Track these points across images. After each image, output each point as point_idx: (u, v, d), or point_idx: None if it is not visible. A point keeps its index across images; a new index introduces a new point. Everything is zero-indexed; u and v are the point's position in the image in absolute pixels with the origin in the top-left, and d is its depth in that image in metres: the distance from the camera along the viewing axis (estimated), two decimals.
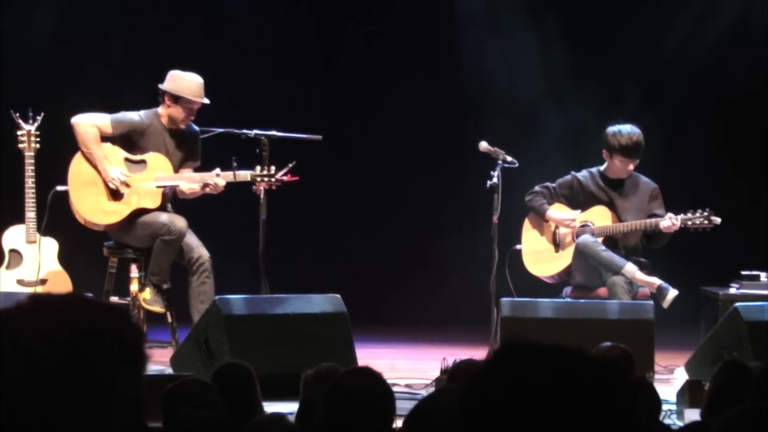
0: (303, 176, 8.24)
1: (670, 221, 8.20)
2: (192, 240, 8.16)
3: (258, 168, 8.16)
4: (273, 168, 8.16)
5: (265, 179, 8.13)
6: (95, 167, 8.12)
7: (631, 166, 8.38)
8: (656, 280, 8.28)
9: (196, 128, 8.36)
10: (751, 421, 2.59)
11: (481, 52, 11.12)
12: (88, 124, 8.11)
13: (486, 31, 11.13)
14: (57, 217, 8.25)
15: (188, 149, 8.31)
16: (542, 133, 10.84)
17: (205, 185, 8.15)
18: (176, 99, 8.17)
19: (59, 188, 8.15)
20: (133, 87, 10.00)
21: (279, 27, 11.15)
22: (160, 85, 8.23)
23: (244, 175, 8.14)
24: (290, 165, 8.14)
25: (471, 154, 8.66)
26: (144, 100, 8.44)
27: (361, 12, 11.21)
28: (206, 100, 8.22)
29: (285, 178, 8.14)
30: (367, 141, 11.09)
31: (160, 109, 8.26)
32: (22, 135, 8.41)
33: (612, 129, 8.36)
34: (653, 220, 8.30)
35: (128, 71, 10.63)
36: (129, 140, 8.19)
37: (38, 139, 8.40)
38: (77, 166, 8.15)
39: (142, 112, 8.26)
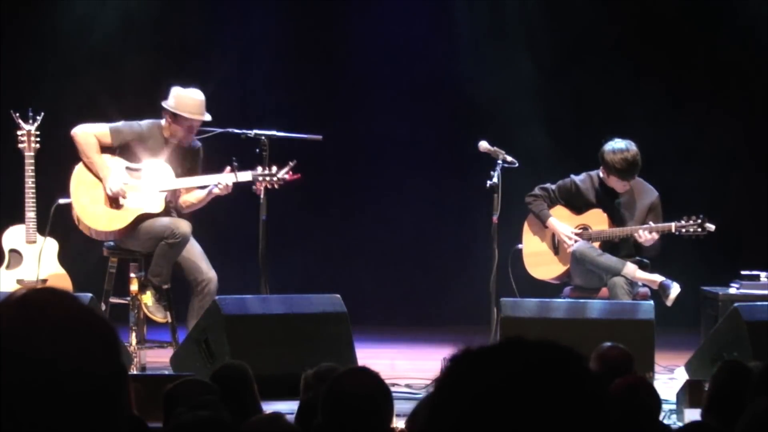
0: (303, 176, 8.24)
1: (643, 235, 8.16)
2: (200, 260, 8.12)
3: (259, 168, 8.15)
4: (274, 168, 8.16)
5: (267, 178, 8.12)
6: (96, 175, 8.12)
7: (629, 185, 8.36)
8: (658, 277, 8.28)
9: (198, 143, 8.35)
10: None
11: (481, 53, 11.13)
12: (88, 133, 8.10)
13: (486, 34, 11.15)
14: (58, 218, 8.24)
15: (189, 163, 8.29)
16: (542, 132, 10.84)
17: (214, 186, 8.13)
18: (176, 117, 8.15)
19: (62, 201, 8.14)
20: (131, 89, 10.01)
21: (279, 26, 11.15)
22: (163, 102, 8.19)
23: (246, 175, 8.13)
24: (291, 164, 8.13)
25: (471, 154, 8.65)
26: (145, 102, 8.43)
27: (362, 12, 11.20)
28: (207, 117, 8.16)
29: (287, 176, 8.13)
30: (367, 141, 11.09)
31: (164, 122, 8.23)
32: (22, 135, 8.40)
33: (608, 147, 8.28)
34: (628, 228, 8.27)
35: (129, 72, 10.63)
36: (128, 150, 8.16)
37: (38, 139, 8.40)
38: (79, 175, 8.13)
39: (143, 122, 8.23)
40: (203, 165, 8.35)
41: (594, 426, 1.49)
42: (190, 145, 8.31)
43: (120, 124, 8.21)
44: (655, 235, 8.18)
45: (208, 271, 8.09)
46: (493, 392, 1.48)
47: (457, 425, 1.49)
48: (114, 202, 8.12)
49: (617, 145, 8.26)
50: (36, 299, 1.56)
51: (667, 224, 8.25)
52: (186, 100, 8.14)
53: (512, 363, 1.51)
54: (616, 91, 10.83)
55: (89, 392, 1.51)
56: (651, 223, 8.30)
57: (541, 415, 1.47)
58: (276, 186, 8.15)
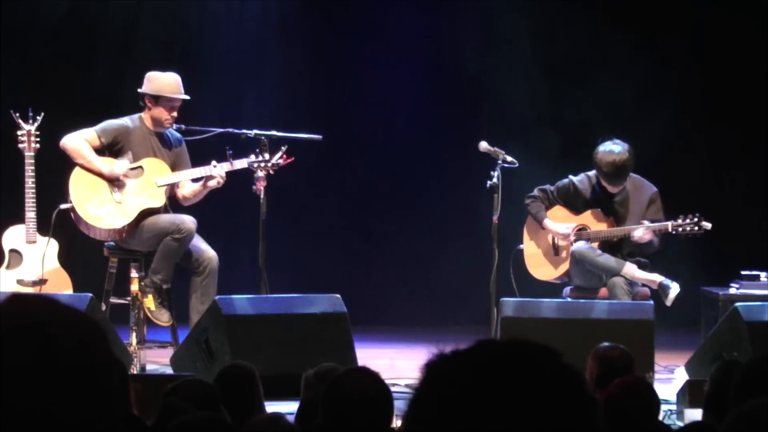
0: (303, 176, 8.25)
1: (641, 231, 8.18)
2: (199, 242, 8.16)
3: (253, 155, 8.19)
4: (267, 154, 8.19)
5: (262, 165, 8.15)
6: (97, 174, 8.13)
7: (617, 188, 8.37)
8: (657, 277, 8.29)
9: (179, 135, 8.39)
10: (762, 418, 2.57)
11: (482, 52, 11.13)
12: (77, 139, 8.13)
13: (487, 32, 11.15)
14: (59, 219, 8.23)
15: (176, 154, 8.33)
16: (542, 132, 10.84)
17: (208, 179, 8.16)
18: (156, 99, 8.19)
19: (63, 206, 8.14)
20: (132, 89, 9.99)
21: (280, 26, 11.15)
22: (139, 90, 8.25)
23: (241, 162, 8.17)
24: (283, 148, 8.19)
25: (471, 154, 8.65)
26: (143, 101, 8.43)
27: (363, 12, 11.20)
28: (186, 96, 8.24)
29: (281, 161, 8.17)
30: (368, 141, 11.09)
31: (144, 114, 8.27)
32: (22, 135, 8.41)
33: (600, 148, 8.29)
34: (626, 228, 8.29)
35: (128, 72, 10.63)
36: (117, 147, 8.18)
37: (38, 139, 8.40)
38: (77, 178, 8.15)
39: (126, 118, 8.29)
40: (196, 162, 8.36)
41: (571, 421, 1.49)
42: (174, 138, 8.34)
43: (104, 123, 8.25)
44: (647, 236, 8.19)
45: (207, 250, 8.12)
46: (464, 392, 1.49)
47: (432, 427, 1.49)
48: (116, 200, 8.12)
49: (609, 147, 8.26)
50: (23, 297, 1.57)
51: (663, 223, 8.27)
52: (163, 81, 8.22)
53: (483, 363, 1.52)
54: (617, 90, 10.82)
55: (82, 382, 1.51)
56: (651, 217, 8.32)
57: (513, 412, 1.47)
58: (271, 171, 8.19)
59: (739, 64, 10.86)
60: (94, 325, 1.57)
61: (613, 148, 8.24)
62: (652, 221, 8.30)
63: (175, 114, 8.25)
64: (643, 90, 10.90)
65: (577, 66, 11.03)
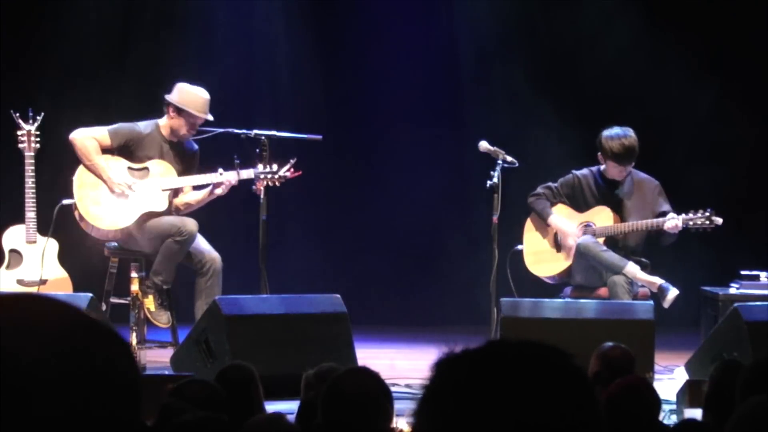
0: (303, 176, 8.25)
1: (673, 222, 8.20)
2: (202, 243, 8.16)
3: (260, 166, 8.17)
4: (275, 165, 8.18)
5: (269, 176, 8.13)
6: (99, 177, 8.12)
7: (625, 171, 8.38)
8: (657, 280, 8.29)
9: (195, 146, 8.37)
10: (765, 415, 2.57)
11: (481, 52, 11.13)
12: (86, 137, 8.10)
13: (486, 33, 11.16)
14: (59, 218, 8.24)
15: (186, 164, 8.30)
16: (542, 132, 10.84)
17: (215, 186, 8.14)
18: (180, 111, 8.16)
19: (65, 202, 8.14)
20: (132, 89, 10.01)
21: (280, 25, 11.15)
22: (166, 96, 8.21)
23: (248, 173, 8.15)
24: (292, 161, 8.15)
25: (471, 154, 8.65)
26: (143, 101, 8.44)
27: (363, 11, 11.20)
28: (209, 117, 8.19)
29: (288, 174, 8.15)
30: (368, 141, 11.10)
31: (162, 120, 8.24)
32: (22, 135, 8.41)
33: (606, 133, 8.34)
34: (657, 220, 8.31)
35: (128, 72, 10.63)
36: (127, 150, 8.17)
37: (38, 139, 8.40)
38: (81, 177, 8.14)
39: (141, 123, 8.25)
40: (200, 166, 8.35)
41: (579, 422, 1.49)
42: (188, 147, 8.31)
43: (118, 125, 8.21)
44: (680, 223, 8.21)
45: (210, 251, 8.12)
46: (474, 391, 1.49)
47: (442, 426, 1.50)
48: (118, 201, 8.12)
49: (615, 131, 8.33)
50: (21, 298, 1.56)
51: (689, 216, 8.28)
52: (192, 96, 8.17)
53: (494, 362, 1.52)
54: (618, 89, 10.83)
55: (123, 391, 1.51)
56: (663, 206, 8.35)
57: (522, 412, 1.48)
58: (277, 183, 8.16)
59: (747, 60, 10.85)
60: (123, 341, 1.57)
61: (620, 131, 8.32)
62: (663, 213, 8.31)
63: (194, 131, 8.22)
64: (644, 88, 10.90)
65: (578, 63, 11.02)
